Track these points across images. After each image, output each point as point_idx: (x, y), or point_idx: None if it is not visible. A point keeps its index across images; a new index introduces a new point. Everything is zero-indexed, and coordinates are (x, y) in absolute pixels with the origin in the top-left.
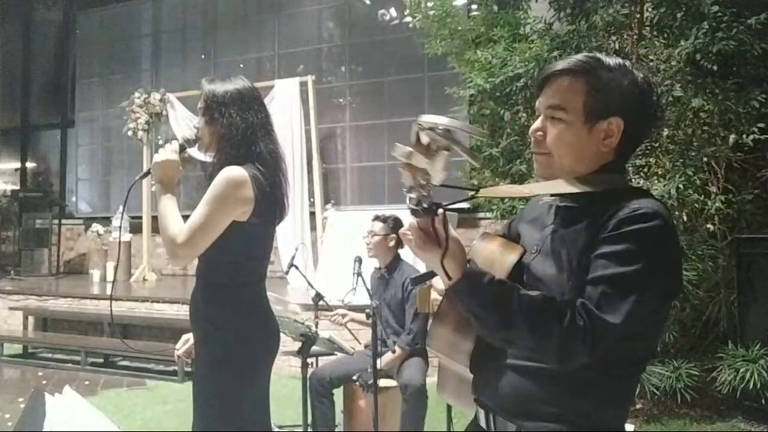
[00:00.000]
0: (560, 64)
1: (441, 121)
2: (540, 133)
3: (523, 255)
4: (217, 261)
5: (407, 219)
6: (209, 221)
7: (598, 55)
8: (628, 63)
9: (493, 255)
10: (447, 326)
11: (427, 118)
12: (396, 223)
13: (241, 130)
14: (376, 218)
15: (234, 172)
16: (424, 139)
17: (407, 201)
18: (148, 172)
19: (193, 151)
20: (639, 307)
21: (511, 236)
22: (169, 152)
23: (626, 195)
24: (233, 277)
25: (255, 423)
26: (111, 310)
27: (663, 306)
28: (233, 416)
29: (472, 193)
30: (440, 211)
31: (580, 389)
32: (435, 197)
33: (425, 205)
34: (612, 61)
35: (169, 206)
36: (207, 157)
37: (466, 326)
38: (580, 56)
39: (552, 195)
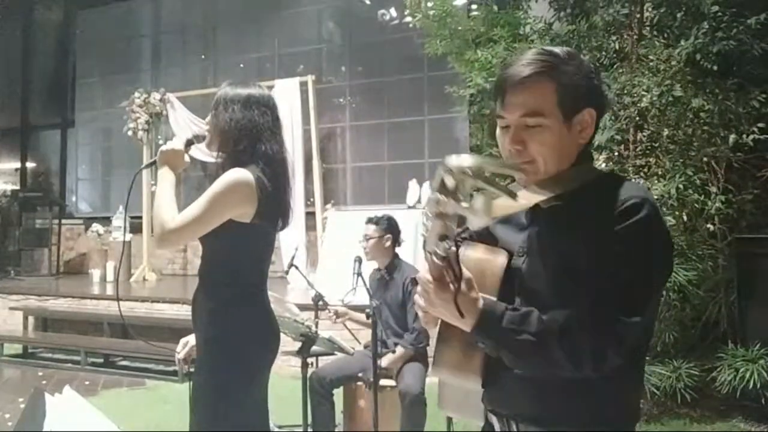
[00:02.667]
0: (524, 69)
1: (467, 162)
2: (518, 145)
3: (509, 258)
4: (219, 262)
5: (401, 218)
6: (203, 216)
7: (549, 49)
8: (573, 50)
9: (481, 263)
10: (453, 347)
11: (455, 162)
12: (389, 223)
13: (243, 128)
14: (369, 221)
15: (239, 173)
16: (450, 182)
17: (434, 250)
18: (153, 162)
19: (194, 152)
20: (651, 301)
21: (488, 239)
22: (177, 143)
23: (605, 184)
24: (235, 278)
25: (255, 424)
26: (120, 309)
27: (664, 285)
28: (233, 417)
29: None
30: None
31: (598, 386)
32: None
33: (453, 248)
34: (562, 51)
35: (166, 189)
36: (208, 157)
37: (474, 344)
38: (536, 56)
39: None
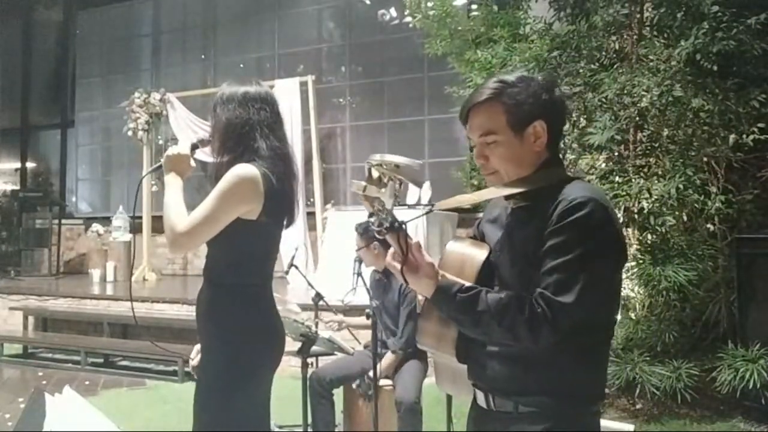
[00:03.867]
0: (475, 98)
1: (386, 158)
2: (482, 160)
3: (490, 254)
4: (223, 260)
5: (401, 218)
6: (213, 215)
7: (502, 77)
8: (526, 74)
9: (464, 256)
10: (431, 321)
11: (376, 157)
12: (365, 229)
13: (241, 126)
14: (355, 231)
15: (245, 169)
16: (375, 173)
17: (371, 225)
18: (159, 166)
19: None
20: (589, 285)
21: (479, 236)
22: (182, 147)
23: (564, 187)
24: (240, 276)
25: (256, 425)
26: (132, 309)
27: (613, 276)
28: (236, 418)
29: (430, 207)
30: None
31: (560, 361)
32: (440, 216)
33: (387, 225)
34: (513, 77)
35: (174, 195)
36: (208, 157)
37: (449, 321)
38: (489, 84)
39: (507, 198)
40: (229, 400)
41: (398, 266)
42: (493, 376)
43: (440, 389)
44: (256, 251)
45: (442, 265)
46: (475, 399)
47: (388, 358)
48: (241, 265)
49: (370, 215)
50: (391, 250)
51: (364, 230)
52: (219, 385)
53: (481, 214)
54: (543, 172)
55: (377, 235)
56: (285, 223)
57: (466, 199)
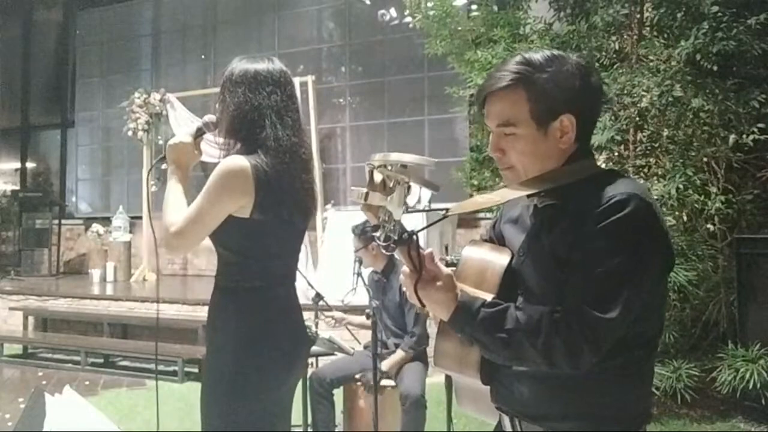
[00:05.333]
0: (495, 83)
1: (391, 157)
2: (498, 153)
3: (512, 259)
4: (222, 262)
5: (401, 219)
6: (202, 213)
7: (528, 56)
8: (557, 52)
9: (484, 263)
10: (451, 341)
11: (378, 157)
12: (362, 230)
13: (243, 112)
14: (352, 233)
15: (231, 161)
16: (377, 177)
17: (376, 239)
18: (163, 158)
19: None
20: (632, 296)
21: (496, 238)
22: (183, 135)
23: (600, 182)
24: (239, 279)
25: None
26: (158, 311)
27: (659, 284)
28: (238, 426)
29: (444, 213)
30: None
31: (599, 383)
32: (439, 215)
33: (396, 238)
34: (542, 57)
35: (173, 192)
36: (208, 157)
37: None
38: (511, 66)
39: (528, 196)
40: (230, 409)
41: (412, 284)
42: (522, 400)
43: (462, 410)
44: (253, 251)
45: (459, 273)
46: (500, 423)
47: (398, 355)
48: (239, 267)
49: (374, 227)
50: (404, 269)
51: (361, 232)
52: (220, 392)
53: (480, 215)
54: (572, 166)
55: (385, 251)
56: (293, 219)
57: (486, 201)
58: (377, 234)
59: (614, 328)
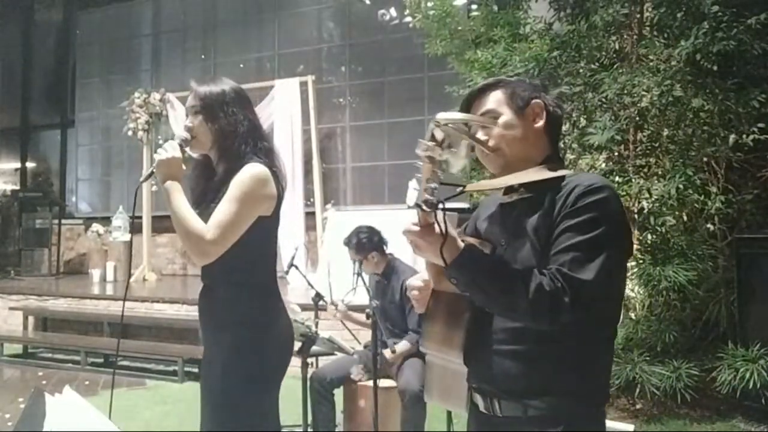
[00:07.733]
0: (476, 88)
1: (455, 116)
2: (485, 136)
3: (494, 250)
4: (238, 260)
5: (401, 219)
6: (239, 218)
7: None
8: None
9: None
10: (438, 323)
11: (443, 115)
12: (366, 239)
13: (245, 127)
14: (346, 244)
15: (258, 169)
16: (439, 134)
17: (414, 197)
18: (151, 173)
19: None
20: (606, 265)
21: (474, 236)
22: (171, 150)
23: (572, 177)
24: (256, 275)
25: (274, 423)
26: (122, 312)
27: (623, 264)
28: (242, 421)
29: (460, 189)
30: (443, 205)
31: (570, 358)
32: (439, 215)
33: (433, 200)
34: (507, 77)
35: (183, 204)
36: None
37: (456, 320)
38: (486, 81)
39: (505, 193)
40: (236, 406)
41: (434, 241)
42: (501, 376)
43: (429, 401)
44: (266, 248)
45: None
46: (475, 406)
47: (404, 345)
48: (251, 264)
49: (427, 180)
50: (410, 223)
51: (356, 243)
52: (225, 388)
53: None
54: (546, 166)
55: (419, 209)
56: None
57: (497, 182)
58: (428, 186)
59: (588, 290)
